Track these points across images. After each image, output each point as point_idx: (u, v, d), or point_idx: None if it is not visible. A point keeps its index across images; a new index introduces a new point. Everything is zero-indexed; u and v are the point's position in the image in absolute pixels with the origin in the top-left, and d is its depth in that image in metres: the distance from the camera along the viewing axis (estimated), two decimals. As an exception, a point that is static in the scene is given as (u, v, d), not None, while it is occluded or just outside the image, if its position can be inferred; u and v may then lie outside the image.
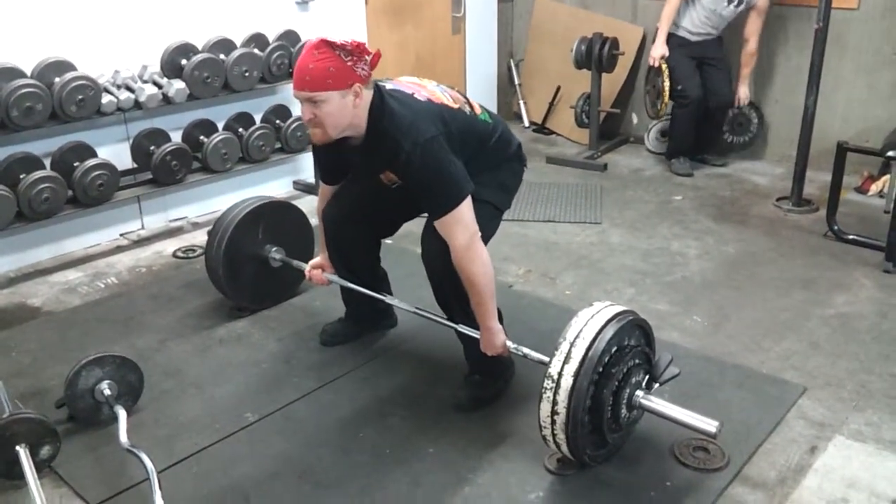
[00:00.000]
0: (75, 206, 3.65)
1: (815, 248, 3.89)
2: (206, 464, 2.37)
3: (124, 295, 3.48)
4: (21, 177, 3.44)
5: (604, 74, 5.33)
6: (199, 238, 4.08)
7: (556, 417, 2.12)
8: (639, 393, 2.25)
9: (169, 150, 3.87)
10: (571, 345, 2.12)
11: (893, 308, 3.26)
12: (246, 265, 3.17)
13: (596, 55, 5.19)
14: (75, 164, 3.61)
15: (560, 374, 2.10)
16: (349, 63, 2.24)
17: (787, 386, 2.72)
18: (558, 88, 5.98)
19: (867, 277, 3.55)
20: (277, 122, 4.43)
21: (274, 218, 3.22)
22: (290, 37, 4.38)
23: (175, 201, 4.26)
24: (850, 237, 3.89)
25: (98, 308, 3.36)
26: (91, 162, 3.62)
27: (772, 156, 5.28)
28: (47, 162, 3.61)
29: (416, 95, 2.40)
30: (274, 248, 3.19)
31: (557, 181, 4.99)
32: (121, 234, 4.08)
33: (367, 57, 2.29)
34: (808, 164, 4.38)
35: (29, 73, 3.47)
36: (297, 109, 4.56)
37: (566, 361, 2.11)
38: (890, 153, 3.62)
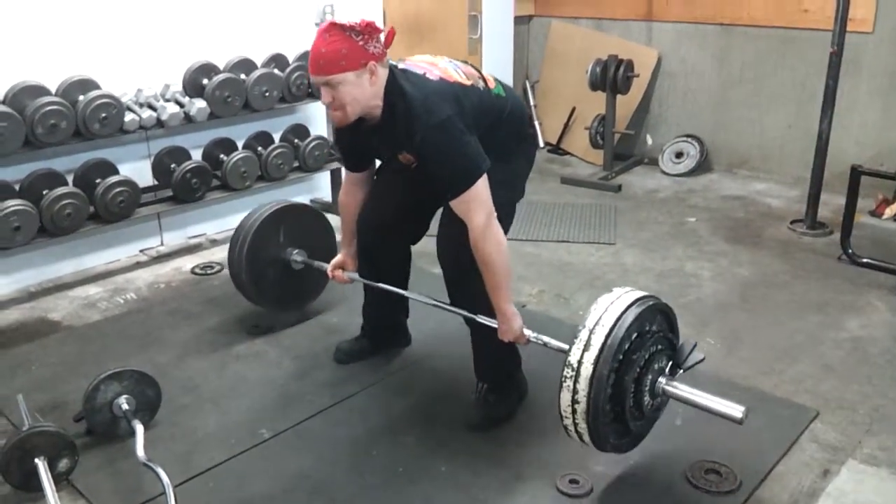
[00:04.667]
0: (96, 221, 3.71)
1: (829, 271, 3.89)
2: (221, 479, 2.40)
3: (143, 310, 3.53)
4: (44, 192, 3.50)
5: (618, 96, 5.37)
6: (218, 255, 4.13)
7: (576, 406, 2.08)
8: (662, 380, 2.21)
9: (189, 167, 3.93)
10: (591, 332, 2.08)
11: (907, 332, 3.27)
12: (268, 268, 3.16)
13: (611, 77, 5.23)
14: (97, 181, 3.67)
15: (580, 363, 2.06)
16: (360, 43, 2.26)
17: (800, 409, 2.72)
18: (573, 109, 6.02)
19: (881, 301, 3.54)
20: (296, 141, 4.49)
21: (295, 221, 3.21)
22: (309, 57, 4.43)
23: (194, 218, 4.32)
24: (864, 260, 3.89)
25: (117, 323, 3.41)
26: (113, 179, 3.68)
27: (786, 178, 5.29)
28: (70, 178, 3.68)
29: (427, 75, 2.40)
30: (296, 251, 3.20)
31: (572, 201, 5.01)
32: (140, 250, 4.14)
33: (379, 35, 2.31)
34: (822, 187, 4.39)
35: (54, 91, 3.54)
36: (315, 129, 4.66)
37: (586, 349, 2.07)
38: (905, 177, 3.62)
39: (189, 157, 4.03)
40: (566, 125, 6.10)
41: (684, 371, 2.26)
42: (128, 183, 3.72)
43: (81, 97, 3.53)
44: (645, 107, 5.83)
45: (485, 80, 2.54)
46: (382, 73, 2.34)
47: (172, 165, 3.97)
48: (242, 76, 4.09)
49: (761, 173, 5.42)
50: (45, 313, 3.52)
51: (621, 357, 2.10)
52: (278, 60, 4.33)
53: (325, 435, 2.61)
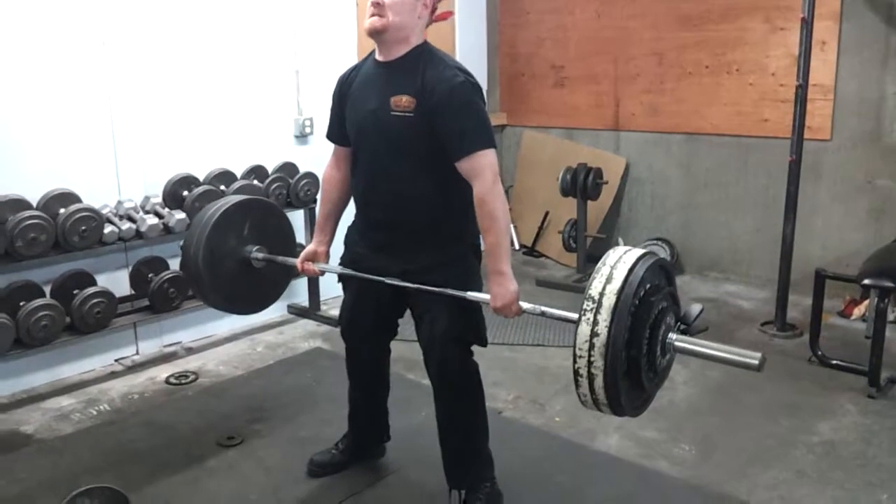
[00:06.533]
0: (72, 332, 3.72)
1: (800, 373, 3.95)
2: None
3: (116, 423, 3.49)
4: (21, 304, 3.52)
5: (589, 201, 5.52)
6: (193, 363, 4.13)
7: (595, 340, 1.98)
8: (671, 335, 2.13)
9: (167, 277, 3.98)
10: (612, 268, 2.04)
11: (877, 434, 3.30)
12: (226, 262, 2.87)
13: (581, 184, 5.39)
14: (75, 292, 3.70)
15: (602, 294, 2.00)
16: None
17: (775, 516, 2.73)
18: (546, 214, 6.18)
19: (852, 403, 3.59)
20: (273, 248, 4.55)
21: (258, 218, 2.98)
22: (288, 168, 4.57)
23: (170, 326, 4.32)
24: (834, 362, 3.95)
25: (89, 436, 3.36)
26: (90, 290, 3.71)
27: (756, 280, 5.40)
28: (47, 289, 3.71)
29: None
30: (256, 248, 2.92)
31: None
32: (115, 360, 4.13)
33: None
34: (791, 289, 4.49)
35: (35, 205, 3.61)
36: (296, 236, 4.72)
37: (608, 281, 2.01)
38: (866, 281, 3.72)
39: (167, 267, 4.08)
40: (540, 229, 6.24)
41: (690, 334, 2.20)
42: (105, 294, 3.75)
43: (62, 210, 3.59)
44: (616, 211, 5.99)
45: None
46: (425, 21, 2.49)
47: (150, 275, 4.01)
48: (222, 187, 4.18)
49: (732, 275, 5.54)
50: (18, 426, 3.47)
51: (637, 302, 2.02)
52: (258, 171, 4.45)
53: (297, 552, 2.57)
